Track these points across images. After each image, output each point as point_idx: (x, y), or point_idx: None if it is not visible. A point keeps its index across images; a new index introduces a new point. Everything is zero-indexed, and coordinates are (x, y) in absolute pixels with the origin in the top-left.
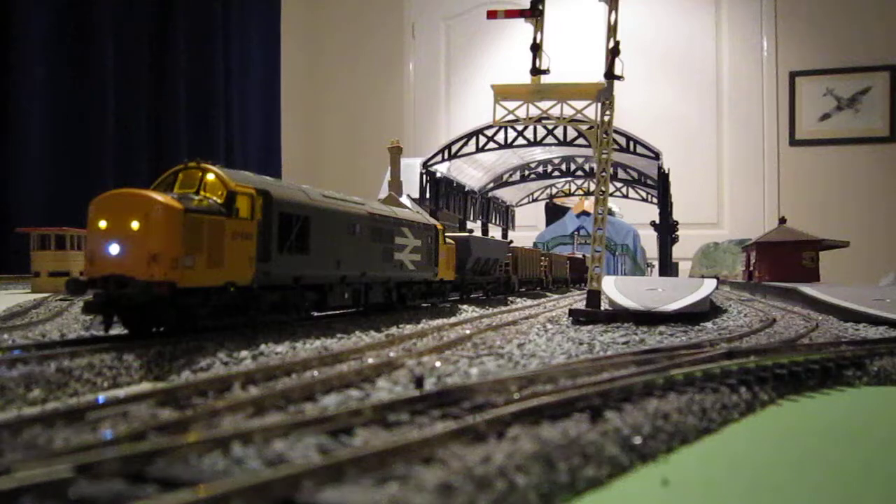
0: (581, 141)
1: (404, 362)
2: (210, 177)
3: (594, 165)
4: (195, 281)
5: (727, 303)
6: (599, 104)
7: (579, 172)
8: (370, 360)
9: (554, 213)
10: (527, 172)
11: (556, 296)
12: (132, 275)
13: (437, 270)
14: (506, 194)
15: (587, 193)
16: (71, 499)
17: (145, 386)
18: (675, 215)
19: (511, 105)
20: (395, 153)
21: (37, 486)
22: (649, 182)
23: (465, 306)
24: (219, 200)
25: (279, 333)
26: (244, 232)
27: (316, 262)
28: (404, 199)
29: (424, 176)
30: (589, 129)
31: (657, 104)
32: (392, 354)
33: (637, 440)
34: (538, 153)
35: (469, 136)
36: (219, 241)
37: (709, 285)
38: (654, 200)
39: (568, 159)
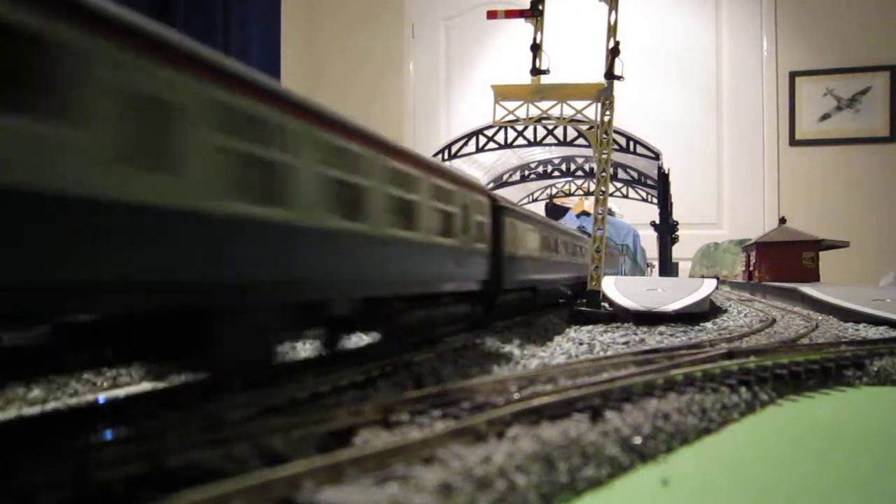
0: (581, 141)
1: None
2: None
3: (594, 165)
4: None
5: (727, 303)
6: (599, 104)
7: (579, 172)
8: None
9: (554, 213)
10: (527, 172)
11: None
12: None
13: None
14: (506, 194)
15: (587, 193)
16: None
17: (145, 385)
18: (675, 215)
19: (511, 105)
20: None
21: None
22: (649, 182)
23: None
24: None
25: None
26: None
27: None
28: None
29: None
30: (589, 129)
31: (657, 104)
32: None
33: (637, 440)
34: (538, 153)
35: (469, 136)
36: None
37: (709, 285)
38: (654, 200)
39: (568, 159)
